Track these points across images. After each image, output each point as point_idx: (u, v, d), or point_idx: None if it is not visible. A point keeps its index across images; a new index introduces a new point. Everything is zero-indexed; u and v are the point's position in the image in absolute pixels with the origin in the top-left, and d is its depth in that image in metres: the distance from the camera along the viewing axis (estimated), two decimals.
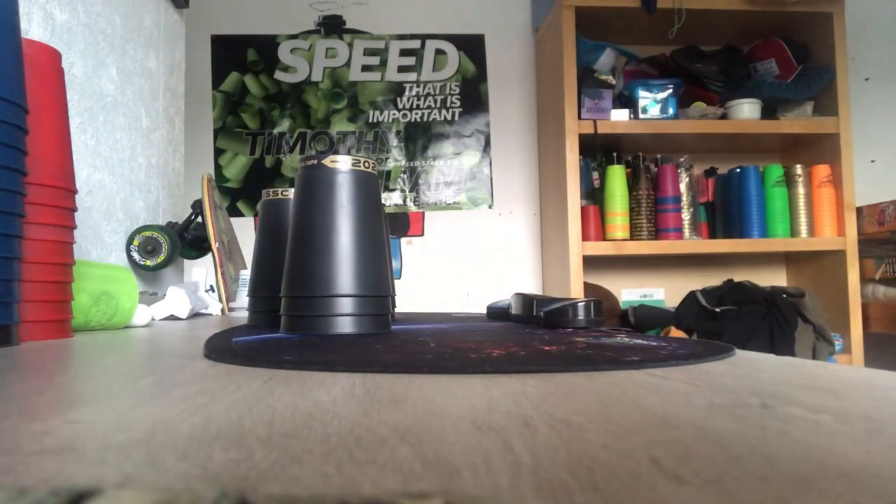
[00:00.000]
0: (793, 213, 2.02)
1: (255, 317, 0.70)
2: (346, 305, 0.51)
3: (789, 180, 2.03)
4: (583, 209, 1.97)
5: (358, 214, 0.52)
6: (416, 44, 2.35)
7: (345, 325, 0.51)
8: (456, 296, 2.27)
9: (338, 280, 0.51)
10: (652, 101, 1.97)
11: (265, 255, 0.69)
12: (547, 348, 0.39)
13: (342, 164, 0.53)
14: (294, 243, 0.53)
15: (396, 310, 0.91)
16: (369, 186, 0.54)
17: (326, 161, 0.53)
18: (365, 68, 2.33)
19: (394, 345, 0.42)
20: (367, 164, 0.54)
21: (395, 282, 2.23)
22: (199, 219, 1.32)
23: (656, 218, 1.98)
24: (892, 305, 1.96)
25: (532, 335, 0.49)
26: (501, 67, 2.35)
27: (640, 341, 0.45)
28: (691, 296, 1.85)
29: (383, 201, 2.30)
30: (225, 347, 0.40)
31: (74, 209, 0.59)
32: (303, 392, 0.25)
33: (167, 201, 1.53)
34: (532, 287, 2.28)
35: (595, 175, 2.12)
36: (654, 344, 0.43)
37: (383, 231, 0.55)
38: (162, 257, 1.24)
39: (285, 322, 0.53)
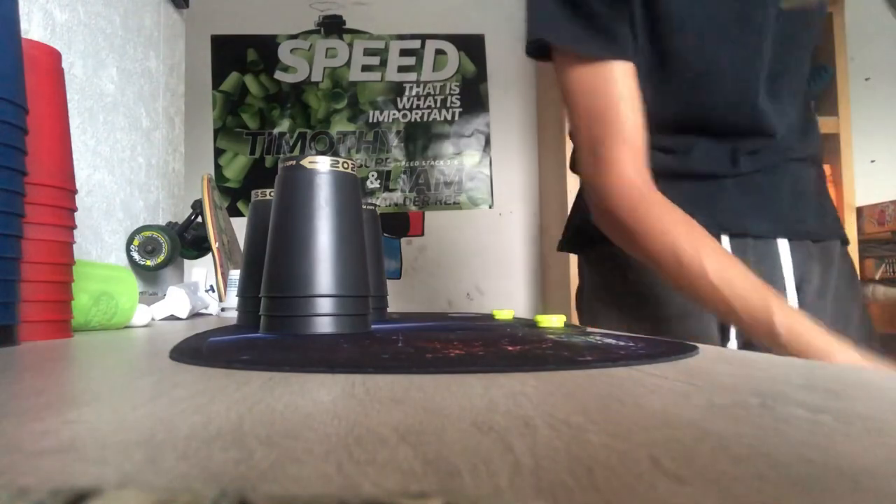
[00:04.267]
0: None
1: (244, 317, 0.70)
2: (321, 305, 0.51)
3: None
4: None
5: (335, 215, 0.52)
6: (416, 44, 2.35)
7: (320, 325, 0.51)
8: (457, 296, 2.27)
9: (313, 280, 0.51)
10: None
11: (254, 255, 0.70)
12: (510, 348, 0.39)
13: (320, 164, 0.53)
14: (272, 244, 0.53)
15: (397, 310, 0.91)
16: (348, 187, 0.54)
17: (304, 162, 0.53)
18: (365, 68, 2.33)
19: (362, 344, 0.42)
20: (345, 165, 0.54)
21: (396, 282, 2.23)
22: (199, 219, 1.32)
23: None
24: (892, 305, 1.96)
25: (509, 336, 0.49)
26: (501, 67, 2.35)
27: (609, 341, 0.45)
28: None
29: (383, 201, 2.30)
30: (192, 348, 0.40)
31: (74, 209, 0.59)
32: (303, 392, 0.25)
33: (167, 201, 1.54)
34: (532, 287, 2.28)
35: None
36: (621, 343, 0.43)
37: (362, 231, 0.55)
38: (162, 257, 1.24)
39: (264, 322, 0.53)
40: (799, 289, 0.80)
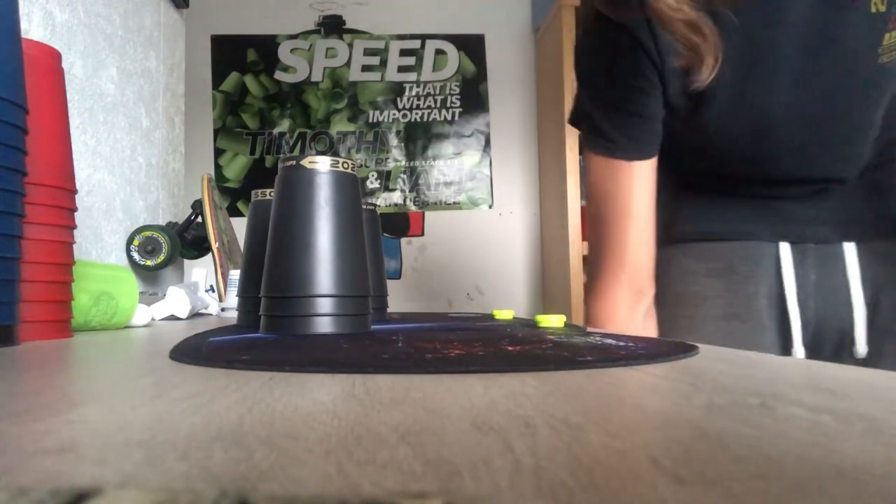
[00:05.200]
0: None
1: (244, 317, 0.70)
2: (321, 305, 0.51)
3: None
4: (583, 209, 1.97)
5: (335, 215, 0.52)
6: (416, 44, 2.35)
7: (320, 326, 0.51)
8: (457, 296, 2.27)
9: (313, 280, 0.51)
10: None
11: (254, 255, 0.70)
12: (510, 349, 0.39)
13: (320, 164, 0.53)
14: (272, 244, 0.53)
15: (397, 310, 0.91)
16: (348, 187, 0.54)
17: (304, 162, 0.53)
18: (365, 68, 2.33)
19: (362, 344, 0.42)
20: (345, 165, 0.54)
21: (396, 282, 2.23)
22: (199, 219, 1.32)
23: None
24: None
25: (509, 336, 0.49)
26: (501, 67, 2.35)
27: (609, 341, 0.45)
28: None
29: (383, 201, 2.30)
30: (192, 348, 0.40)
31: (74, 209, 0.59)
32: (303, 392, 0.25)
33: (167, 201, 1.54)
34: (532, 287, 2.28)
35: None
36: (622, 344, 0.43)
37: (362, 231, 0.55)
38: (162, 257, 1.24)
39: (264, 322, 0.53)
40: (873, 290, 0.77)
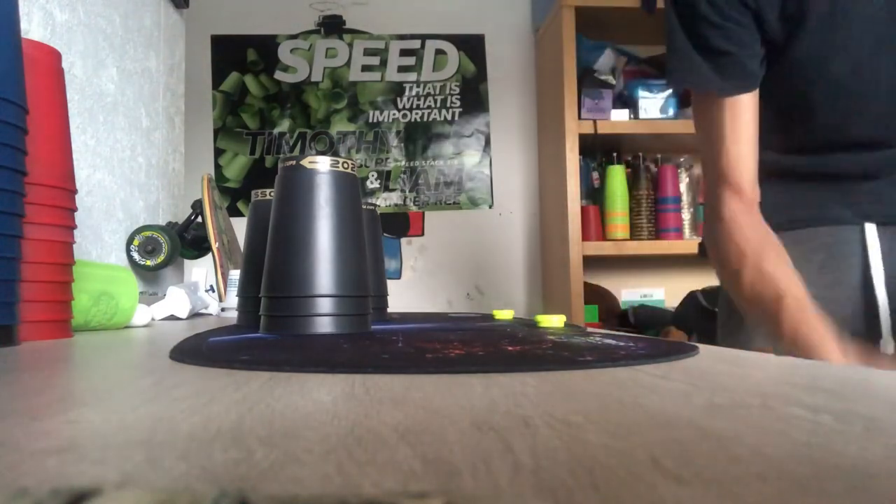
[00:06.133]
0: None
1: (244, 317, 0.70)
2: (321, 305, 0.51)
3: None
4: (583, 209, 1.97)
5: (335, 215, 0.52)
6: (416, 44, 2.35)
7: (320, 325, 0.51)
8: (457, 296, 2.27)
9: (313, 280, 0.51)
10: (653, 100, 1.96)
11: (254, 255, 0.70)
12: (510, 349, 0.39)
13: (320, 164, 0.53)
14: (272, 244, 0.53)
15: (398, 310, 0.91)
16: (348, 187, 0.54)
17: (304, 162, 0.53)
18: (365, 68, 2.33)
19: (362, 344, 0.42)
20: (345, 165, 0.54)
21: (396, 282, 2.24)
22: (199, 219, 1.32)
23: (656, 218, 1.98)
24: None
25: (509, 336, 0.49)
26: (501, 67, 2.35)
27: (609, 341, 0.45)
28: (691, 296, 1.85)
29: (383, 201, 2.30)
30: (192, 348, 0.40)
31: (74, 209, 0.59)
32: (303, 392, 0.25)
33: (167, 201, 1.54)
34: (532, 287, 2.28)
35: (595, 175, 2.12)
36: (622, 344, 0.43)
37: (362, 231, 0.55)
38: (162, 257, 1.24)
39: (264, 322, 0.53)
40: None
